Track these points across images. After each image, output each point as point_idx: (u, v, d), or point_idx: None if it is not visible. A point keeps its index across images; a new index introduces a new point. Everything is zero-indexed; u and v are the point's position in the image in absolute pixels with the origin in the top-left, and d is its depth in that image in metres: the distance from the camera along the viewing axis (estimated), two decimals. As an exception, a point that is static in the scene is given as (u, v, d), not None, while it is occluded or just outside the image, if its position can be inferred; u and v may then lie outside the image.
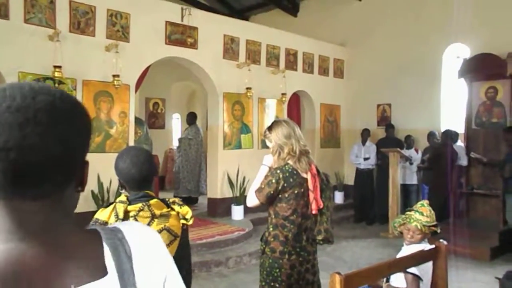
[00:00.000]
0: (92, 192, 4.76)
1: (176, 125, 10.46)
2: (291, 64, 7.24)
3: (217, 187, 6.31)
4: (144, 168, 1.57)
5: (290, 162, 2.19)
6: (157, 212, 1.57)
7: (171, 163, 9.08)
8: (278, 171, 2.15)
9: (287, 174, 2.15)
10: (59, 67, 4.51)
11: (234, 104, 6.47)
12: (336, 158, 8.09)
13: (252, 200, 2.21)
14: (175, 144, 9.47)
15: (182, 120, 9.94)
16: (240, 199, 6.13)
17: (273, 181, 2.15)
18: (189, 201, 7.00)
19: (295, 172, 2.17)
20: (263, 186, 2.17)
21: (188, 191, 6.97)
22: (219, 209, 6.28)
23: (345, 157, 8.17)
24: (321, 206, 2.19)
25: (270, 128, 2.27)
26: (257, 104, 6.77)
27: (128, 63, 5.16)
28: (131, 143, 5.25)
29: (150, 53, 5.46)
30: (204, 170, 6.91)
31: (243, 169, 6.32)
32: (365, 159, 7.02)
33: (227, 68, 6.32)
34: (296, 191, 2.16)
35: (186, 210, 1.64)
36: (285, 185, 2.14)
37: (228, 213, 6.24)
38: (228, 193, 6.31)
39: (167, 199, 1.65)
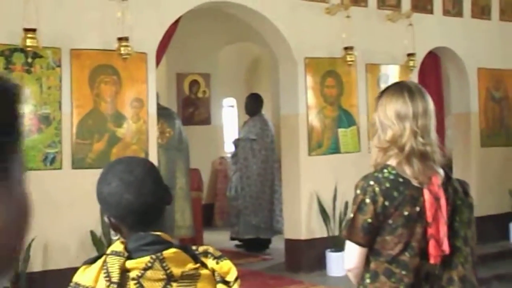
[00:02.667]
0: (92, 233, 5.01)
1: (229, 118, 10.93)
2: (422, 2, 7.40)
3: (300, 220, 6.43)
4: (147, 190, 1.68)
5: (393, 162, 2.31)
6: (177, 270, 1.62)
7: (223, 181, 9.31)
8: (372, 182, 2.29)
9: (388, 185, 2.28)
10: (33, 30, 4.71)
11: (324, 77, 6.65)
12: (509, 165, 8.05)
13: (349, 256, 2.38)
14: (228, 149, 9.91)
15: (240, 109, 10.35)
16: (341, 241, 6.01)
17: (367, 200, 2.28)
18: (256, 245, 7.38)
19: (401, 179, 2.29)
20: (352, 214, 2.32)
21: (254, 229, 7.29)
22: (304, 258, 6.42)
23: (526, 162, 8.13)
24: (447, 252, 2.28)
25: (382, 93, 2.43)
26: (364, 75, 6.94)
27: (142, 18, 5.38)
28: (153, 151, 5.46)
29: (179, -2, 5.71)
30: (279, 192, 7.17)
31: (345, 188, 6.20)
32: None
33: (310, 17, 6.51)
34: (406, 213, 2.27)
35: (228, 267, 1.71)
36: (387, 203, 2.26)
37: (320, 264, 6.36)
38: (320, 231, 6.42)
39: (194, 247, 1.73)
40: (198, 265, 1.69)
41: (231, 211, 7.66)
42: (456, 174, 6.43)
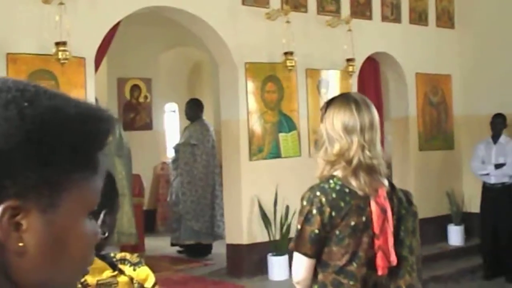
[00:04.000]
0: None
1: (171, 123, 10.88)
2: (361, 8, 7.44)
3: (241, 225, 6.44)
4: None
5: (339, 173, 2.33)
6: (92, 280, 1.59)
7: (165, 187, 9.29)
8: (318, 192, 2.30)
9: (334, 195, 2.29)
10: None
11: (265, 81, 6.67)
12: (447, 168, 8.23)
13: (297, 268, 2.38)
14: (170, 155, 9.68)
15: (181, 114, 10.25)
16: (282, 245, 6.20)
17: (313, 211, 2.29)
18: (198, 251, 7.38)
19: (347, 189, 2.31)
20: (299, 226, 2.33)
21: (196, 234, 7.27)
22: (246, 263, 6.44)
23: (463, 165, 8.32)
24: (394, 263, 2.32)
25: (328, 105, 2.43)
26: (304, 80, 6.97)
27: (80, 23, 5.31)
28: None
29: (119, 2, 5.70)
30: (220, 197, 7.18)
31: (286, 192, 6.38)
32: (498, 166, 7.05)
33: (250, 22, 6.51)
34: (353, 222, 2.30)
35: (146, 273, 1.71)
36: (333, 214, 2.28)
37: (262, 269, 6.38)
38: (261, 236, 6.43)
39: (112, 254, 1.72)
40: (116, 272, 1.70)
41: (172, 216, 7.64)
42: (395, 178, 6.66)
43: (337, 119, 2.37)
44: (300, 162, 6.66)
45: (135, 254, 1.84)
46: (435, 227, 7.60)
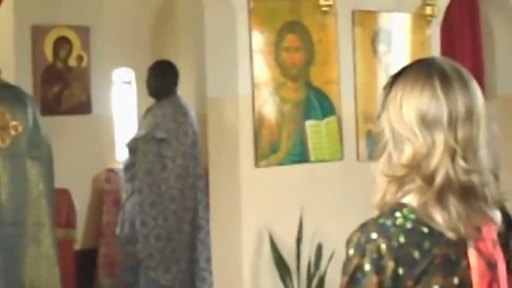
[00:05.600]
0: None
1: (122, 102, 10.86)
2: None
3: (240, 277, 6.36)
4: None
5: (412, 201, 2.28)
6: None
7: (112, 211, 9.05)
8: (374, 234, 2.24)
9: (403, 239, 2.22)
10: None
11: (282, 32, 6.53)
12: None
13: None
14: (121, 157, 9.65)
15: (140, 87, 9.90)
16: None
17: (366, 267, 2.22)
18: None
19: (426, 229, 2.24)
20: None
21: None
22: None
23: None
24: None
25: (395, 80, 2.38)
26: (350, 30, 6.89)
27: None
28: None
29: None
30: (206, 230, 7.18)
31: (317, 222, 6.32)
32: None
33: None
34: (436, 287, 2.20)
35: None
36: (401, 271, 2.20)
37: None
38: None
39: None
40: None
41: (124, 261, 7.51)
42: (504, 182, 6.59)
43: (409, 104, 2.26)
44: (343, 170, 6.56)
45: None
46: None
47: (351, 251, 2.24)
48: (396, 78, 2.37)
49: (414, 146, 2.24)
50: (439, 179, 2.19)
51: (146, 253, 7.18)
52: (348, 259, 2.26)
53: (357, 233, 2.25)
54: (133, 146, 7.48)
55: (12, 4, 8.15)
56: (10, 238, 5.93)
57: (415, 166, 2.23)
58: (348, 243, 2.28)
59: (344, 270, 2.26)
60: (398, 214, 2.23)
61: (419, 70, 2.35)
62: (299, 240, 6.21)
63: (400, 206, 2.25)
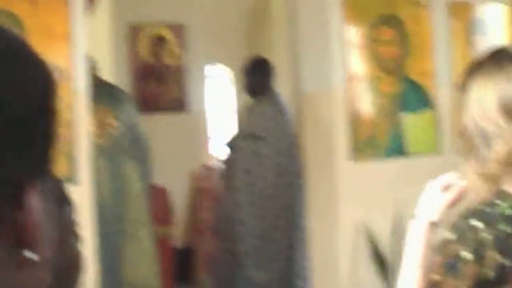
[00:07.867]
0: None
1: (218, 99, 11.01)
2: None
3: (337, 272, 6.42)
4: None
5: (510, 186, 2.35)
6: None
7: (210, 208, 8.97)
8: (476, 222, 2.24)
9: (508, 228, 2.22)
10: None
11: (377, 25, 6.60)
12: None
13: None
14: (218, 153, 9.81)
15: (237, 85, 10.19)
16: None
17: (465, 254, 2.22)
18: None
19: None
20: (436, 277, 2.28)
21: None
22: None
23: None
24: None
25: (473, 69, 2.43)
26: (446, 22, 6.86)
27: None
28: (84, 157, 5.38)
29: None
30: (302, 228, 7.12)
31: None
32: None
33: None
34: None
35: None
36: (506, 262, 2.19)
37: None
38: None
39: None
40: None
41: (220, 258, 7.50)
42: None
43: (489, 92, 2.29)
44: (439, 164, 6.17)
45: None
46: None
47: (450, 235, 2.24)
48: (476, 67, 2.38)
49: (504, 139, 2.23)
50: None
51: (243, 251, 7.27)
52: (445, 244, 2.25)
53: (458, 220, 2.26)
54: (233, 145, 7.58)
55: (110, 4, 8.33)
56: (113, 235, 6.03)
57: (510, 163, 2.23)
58: (447, 226, 2.28)
59: (440, 251, 2.26)
60: (499, 202, 2.22)
61: (500, 57, 2.38)
62: (395, 234, 6.23)
63: (502, 194, 2.24)
